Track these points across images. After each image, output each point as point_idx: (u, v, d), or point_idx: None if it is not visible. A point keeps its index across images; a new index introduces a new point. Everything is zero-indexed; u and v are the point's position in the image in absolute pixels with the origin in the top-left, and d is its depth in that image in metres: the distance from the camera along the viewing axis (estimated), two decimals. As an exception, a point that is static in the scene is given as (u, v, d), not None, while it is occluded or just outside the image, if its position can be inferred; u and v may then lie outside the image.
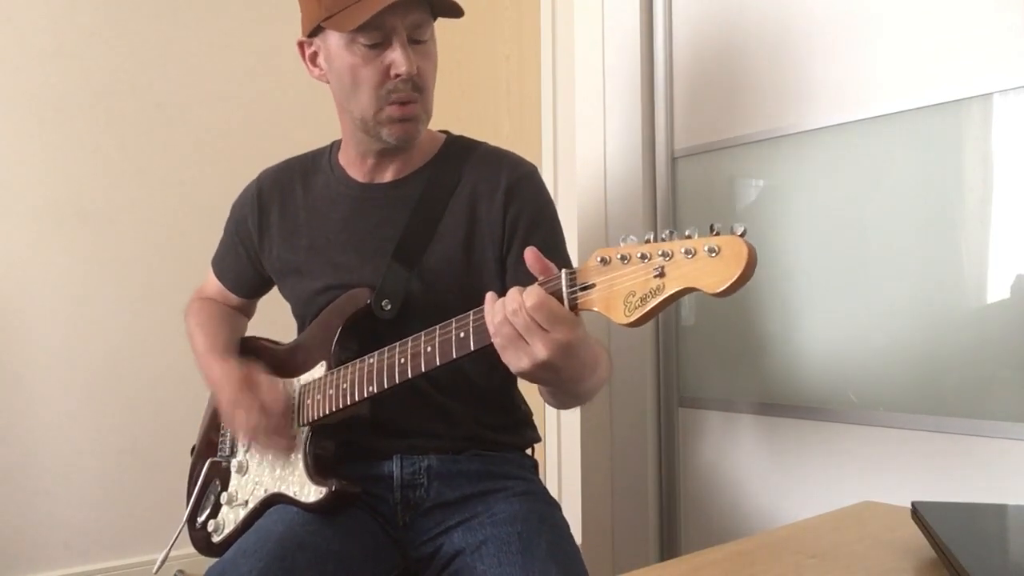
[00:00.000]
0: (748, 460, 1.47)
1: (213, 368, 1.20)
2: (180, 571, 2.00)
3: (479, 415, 1.18)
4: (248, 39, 2.24)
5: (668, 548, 1.59)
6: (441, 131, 1.27)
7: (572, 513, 1.64)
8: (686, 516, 1.57)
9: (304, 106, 2.26)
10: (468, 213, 1.16)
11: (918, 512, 0.78)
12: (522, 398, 1.27)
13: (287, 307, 1.29)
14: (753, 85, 1.45)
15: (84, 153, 2.03)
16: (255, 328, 1.40)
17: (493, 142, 1.28)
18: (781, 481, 1.42)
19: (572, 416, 1.72)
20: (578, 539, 1.15)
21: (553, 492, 1.23)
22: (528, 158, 1.26)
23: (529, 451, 1.26)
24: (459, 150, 1.22)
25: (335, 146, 1.27)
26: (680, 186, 1.57)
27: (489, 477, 1.15)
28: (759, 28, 1.44)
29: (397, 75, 1.07)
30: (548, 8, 1.93)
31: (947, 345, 1.21)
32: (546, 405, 1.77)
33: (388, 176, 1.20)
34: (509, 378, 1.23)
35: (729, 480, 1.50)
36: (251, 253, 1.29)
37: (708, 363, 1.54)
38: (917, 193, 1.24)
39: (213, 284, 1.37)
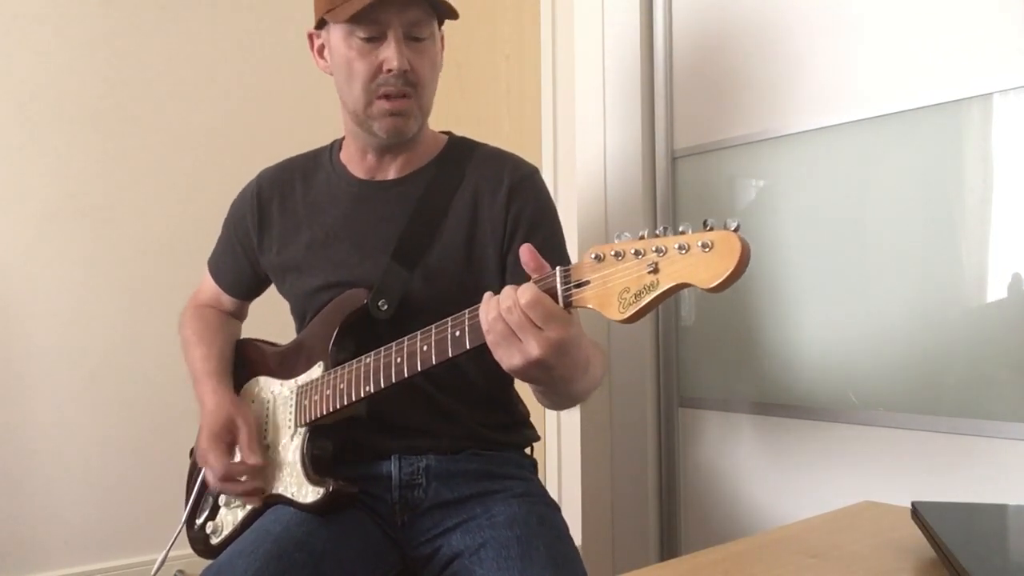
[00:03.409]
0: (748, 460, 1.47)
1: (206, 396, 1.20)
2: (180, 571, 2.00)
3: (477, 414, 1.18)
4: (249, 39, 2.24)
5: (668, 548, 1.59)
6: (443, 132, 1.27)
7: (572, 514, 1.64)
8: (686, 516, 1.57)
9: (304, 106, 2.26)
10: (470, 212, 1.16)
11: (918, 512, 0.77)
12: (520, 398, 1.27)
13: (282, 309, 1.29)
14: (753, 85, 1.45)
15: (84, 153, 2.03)
16: (251, 330, 1.40)
17: (493, 142, 1.29)
18: (781, 481, 1.42)
19: (572, 416, 1.72)
20: (578, 540, 1.15)
21: (553, 492, 1.23)
22: (528, 158, 1.27)
23: (528, 451, 1.26)
24: (462, 150, 1.23)
25: (336, 144, 1.28)
26: (680, 186, 1.57)
27: (488, 477, 1.15)
28: (759, 28, 1.44)
29: (388, 70, 1.09)
30: (548, 8, 1.93)
31: (947, 345, 1.21)
32: (546, 405, 1.76)
33: (391, 174, 1.21)
34: (507, 378, 1.23)
35: (729, 480, 1.50)
36: (248, 253, 1.29)
37: (708, 363, 1.54)
38: (917, 193, 1.24)
39: (208, 286, 1.37)
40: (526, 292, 0.82)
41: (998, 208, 1.17)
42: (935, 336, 1.22)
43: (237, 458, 1.14)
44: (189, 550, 1.22)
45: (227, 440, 1.14)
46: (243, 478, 1.12)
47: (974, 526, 0.79)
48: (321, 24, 1.15)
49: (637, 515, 1.62)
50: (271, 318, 1.39)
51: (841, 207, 1.33)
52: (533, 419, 1.30)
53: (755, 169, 1.45)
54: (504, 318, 0.82)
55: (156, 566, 1.23)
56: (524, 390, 1.23)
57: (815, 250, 1.36)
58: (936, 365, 1.22)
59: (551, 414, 1.82)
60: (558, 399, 1.02)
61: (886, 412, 1.27)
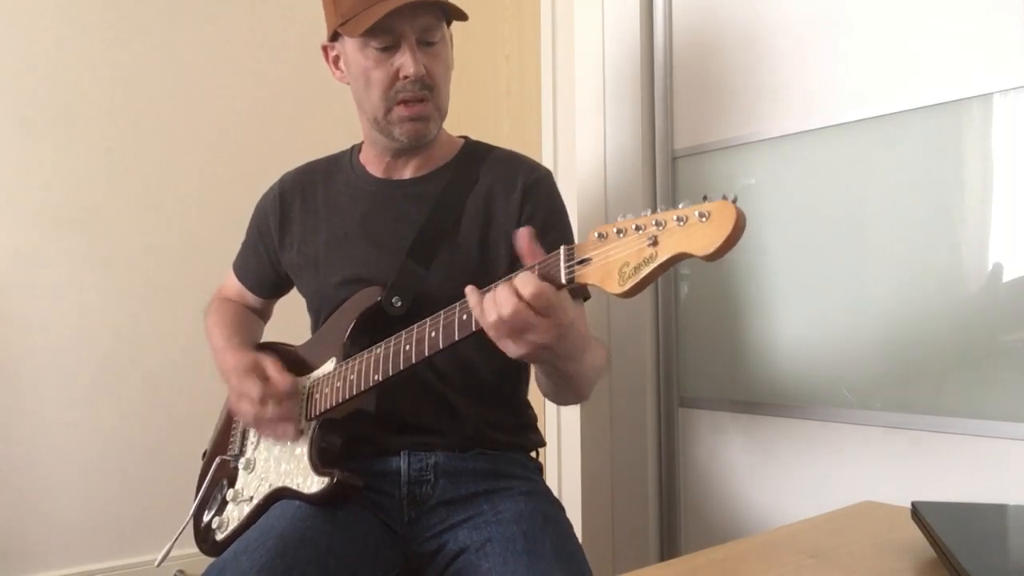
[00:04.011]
0: (748, 460, 1.47)
1: (227, 360, 1.21)
2: (180, 571, 2.00)
3: (486, 414, 1.19)
4: (253, 40, 2.24)
5: (668, 548, 1.60)
6: (460, 136, 1.30)
7: (572, 513, 1.63)
8: (686, 516, 1.57)
9: (308, 109, 2.26)
10: (484, 211, 1.19)
11: (918, 512, 0.78)
12: (529, 402, 1.28)
13: (300, 311, 1.31)
14: (753, 85, 1.45)
15: (85, 153, 2.03)
16: (269, 334, 1.41)
17: (493, 142, 1.31)
18: (781, 481, 1.42)
19: (572, 416, 1.72)
20: (578, 539, 1.15)
21: (553, 492, 1.23)
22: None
23: (534, 454, 1.27)
24: (477, 153, 1.26)
25: (356, 147, 1.31)
26: (680, 186, 1.57)
27: (494, 476, 1.16)
28: (760, 28, 1.44)
29: (405, 77, 1.12)
30: (548, 8, 1.93)
31: (947, 345, 1.21)
32: (546, 407, 1.77)
33: (408, 173, 1.24)
34: (517, 378, 1.24)
35: (729, 480, 1.50)
36: (271, 252, 1.32)
37: (708, 363, 1.54)
38: (918, 193, 1.24)
39: (233, 285, 1.40)
40: (527, 285, 0.84)
41: (998, 208, 1.17)
42: (936, 336, 1.22)
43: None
44: (190, 550, 1.23)
45: (257, 374, 1.13)
46: (274, 407, 1.11)
47: (974, 526, 0.79)
48: (335, 36, 1.18)
49: (637, 515, 1.62)
50: (289, 321, 1.41)
51: (842, 207, 1.33)
52: (538, 424, 1.30)
53: (755, 169, 1.46)
54: (509, 323, 0.85)
55: (160, 557, 1.23)
56: (533, 395, 1.23)
57: (817, 250, 1.36)
58: (937, 365, 1.22)
59: (552, 414, 1.83)
60: (564, 383, 1.04)
61: (886, 412, 1.27)
